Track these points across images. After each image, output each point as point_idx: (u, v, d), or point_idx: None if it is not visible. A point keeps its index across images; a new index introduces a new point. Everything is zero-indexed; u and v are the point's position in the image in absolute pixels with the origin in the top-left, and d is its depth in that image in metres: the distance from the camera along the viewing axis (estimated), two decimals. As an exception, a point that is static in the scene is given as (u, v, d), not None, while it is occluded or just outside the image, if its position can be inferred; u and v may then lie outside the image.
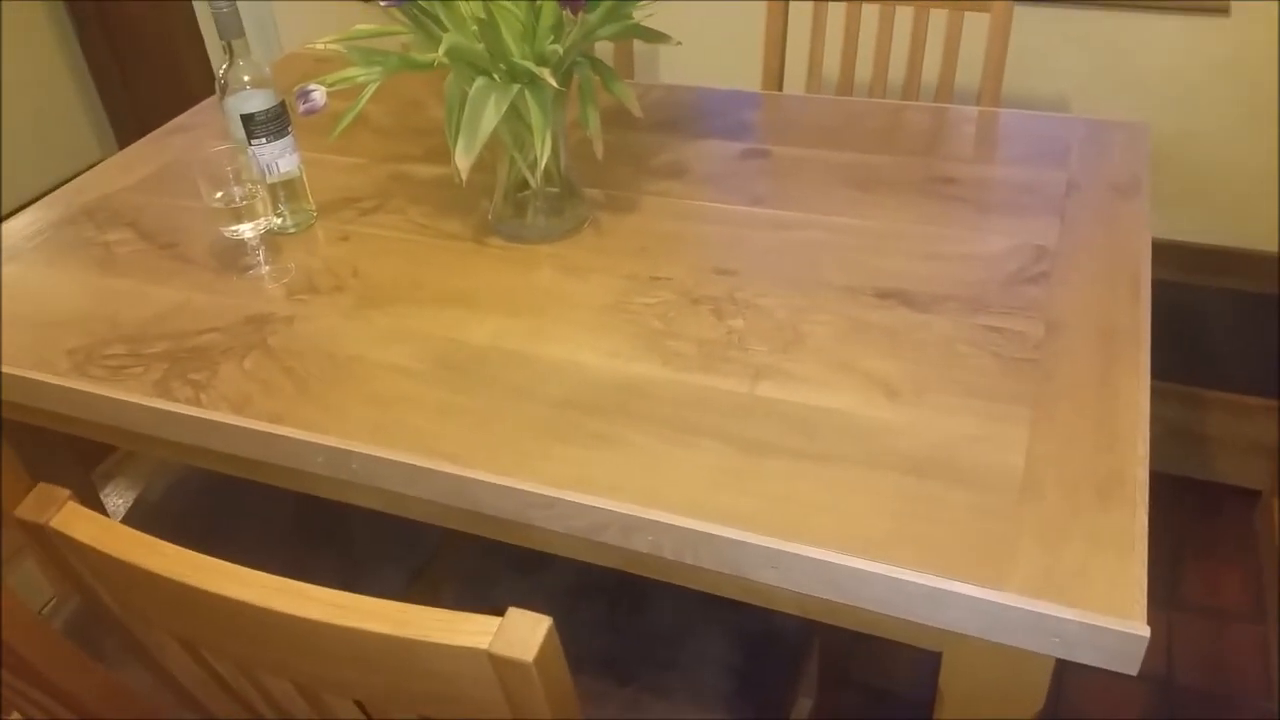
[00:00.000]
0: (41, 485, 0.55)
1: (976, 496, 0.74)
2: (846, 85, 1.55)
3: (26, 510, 0.53)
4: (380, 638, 0.48)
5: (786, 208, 1.11)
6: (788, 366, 0.88)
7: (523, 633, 0.46)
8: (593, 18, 0.91)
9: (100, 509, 1.28)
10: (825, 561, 0.71)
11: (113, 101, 2.80)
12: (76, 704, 0.67)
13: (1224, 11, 1.71)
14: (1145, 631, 0.66)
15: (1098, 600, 0.67)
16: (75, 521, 0.53)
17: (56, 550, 0.55)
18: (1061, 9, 1.80)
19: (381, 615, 0.48)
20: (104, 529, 0.53)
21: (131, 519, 1.20)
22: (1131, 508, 0.73)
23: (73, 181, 1.27)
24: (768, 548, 0.72)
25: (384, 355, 0.92)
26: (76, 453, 1.20)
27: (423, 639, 0.47)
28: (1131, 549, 0.70)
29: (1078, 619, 0.66)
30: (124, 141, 2.83)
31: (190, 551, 0.51)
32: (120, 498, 1.79)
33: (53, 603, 1.57)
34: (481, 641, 0.46)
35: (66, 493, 0.54)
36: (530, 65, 0.90)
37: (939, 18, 1.48)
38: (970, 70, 1.52)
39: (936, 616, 0.71)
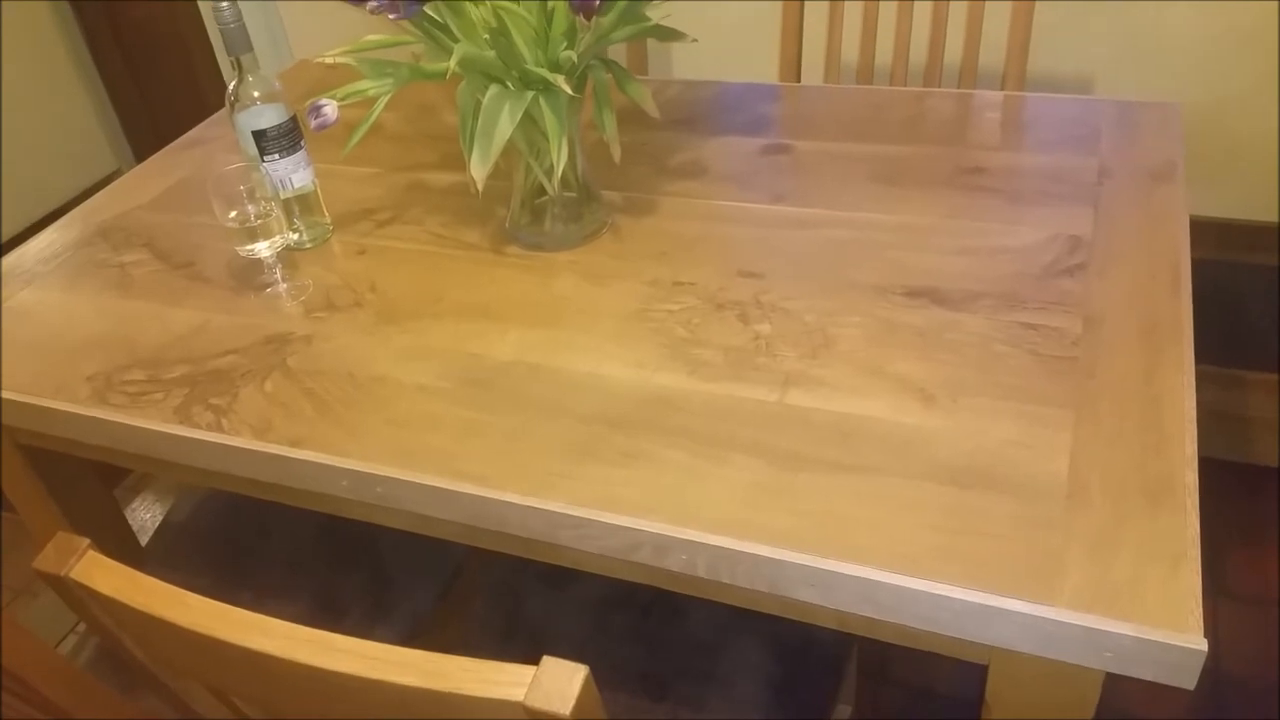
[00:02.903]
0: (60, 534, 0.54)
1: (1021, 506, 0.72)
2: (866, 72, 1.51)
3: (46, 562, 0.52)
4: (413, 690, 0.46)
5: (810, 205, 1.08)
6: (818, 373, 0.85)
7: (559, 683, 0.44)
8: (606, 21, 0.88)
9: (126, 528, 1.28)
10: (867, 579, 0.69)
11: (127, 109, 2.79)
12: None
13: (1255, -20, 1.66)
14: (1203, 645, 0.63)
15: (1151, 613, 0.65)
16: (96, 572, 0.52)
17: (78, 599, 0.54)
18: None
19: (412, 666, 0.46)
20: (126, 579, 0.51)
21: (158, 541, 1.19)
22: (1182, 514, 0.71)
23: (88, 200, 1.26)
24: (807, 566, 0.70)
25: (405, 373, 0.90)
26: (99, 471, 1.19)
27: (456, 691, 0.45)
28: (1184, 557, 0.68)
29: (1132, 634, 0.64)
30: (139, 149, 2.83)
31: (215, 602, 0.50)
32: (146, 513, 1.79)
33: (80, 629, 1.58)
34: (516, 694, 0.44)
35: (86, 542, 0.53)
36: (544, 72, 0.88)
37: (959, 3, 1.44)
38: (992, 52, 1.47)
39: (984, 633, 0.68)
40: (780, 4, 1.55)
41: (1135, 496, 0.72)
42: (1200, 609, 0.65)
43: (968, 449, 0.77)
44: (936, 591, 0.67)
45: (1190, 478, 0.74)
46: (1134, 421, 0.78)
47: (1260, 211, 1.87)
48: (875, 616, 0.71)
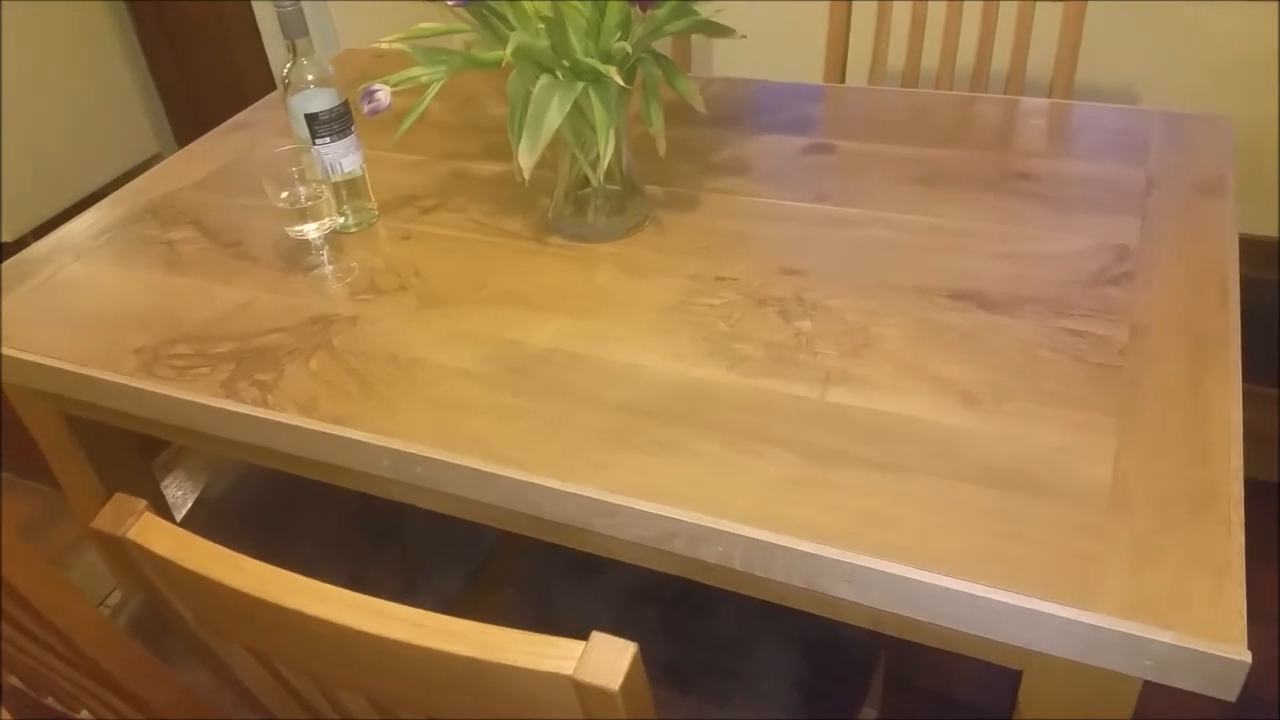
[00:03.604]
0: (118, 496, 0.55)
1: (1062, 510, 0.71)
2: (912, 75, 1.51)
3: (104, 521, 0.53)
4: (462, 660, 0.46)
5: (853, 205, 1.08)
6: (859, 371, 0.85)
7: (608, 659, 0.45)
8: (660, 13, 0.89)
9: (161, 501, 1.30)
10: (905, 578, 0.68)
11: (170, 96, 2.83)
12: (147, 708, 0.67)
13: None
14: (1246, 657, 0.63)
15: (1194, 622, 0.64)
16: (152, 533, 0.53)
17: (131, 561, 0.55)
18: (1134, -5, 1.73)
19: (463, 636, 0.47)
20: (181, 542, 0.52)
21: (195, 516, 1.21)
22: (1226, 525, 0.70)
23: (136, 180, 1.28)
24: (844, 562, 0.70)
25: (446, 357, 0.91)
26: (138, 444, 1.21)
27: (506, 663, 0.46)
28: (1228, 568, 0.67)
29: (1174, 642, 0.63)
30: (180, 135, 2.87)
31: (269, 566, 0.50)
32: (179, 489, 1.81)
33: (116, 596, 1.60)
34: (566, 667, 0.45)
35: (143, 503, 0.54)
36: (595, 63, 0.88)
37: (1009, 7, 1.43)
38: (1039, 60, 1.47)
39: (1022, 636, 0.68)
40: (825, 5, 1.55)
41: (1179, 505, 0.71)
42: (1244, 619, 0.64)
43: (1010, 452, 0.76)
44: (976, 593, 0.67)
45: (1235, 489, 0.73)
46: (1179, 431, 0.77)
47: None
48: (912, 616, 0.71)
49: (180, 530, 0.53)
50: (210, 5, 2.56)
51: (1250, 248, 1.81)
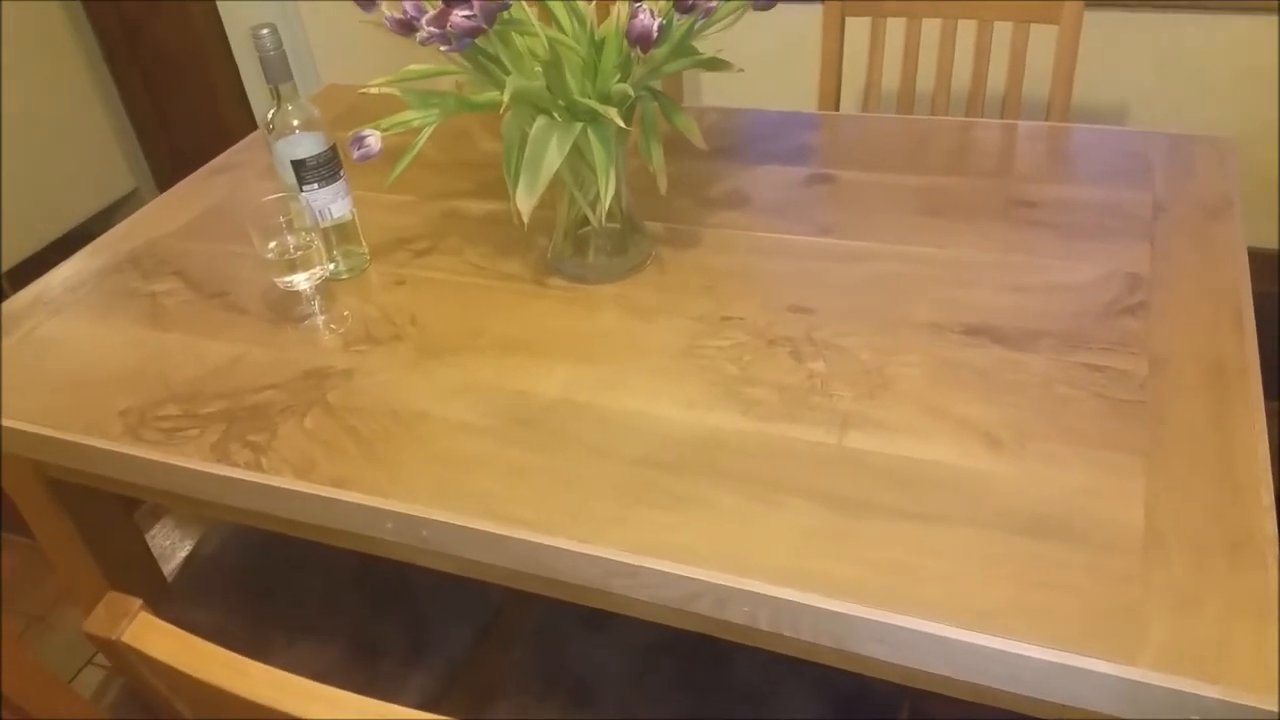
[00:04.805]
0: (111, 594, 0.51)
1: (1097, 558, 0.69)
2: (907, 100, 1.49)
3: (97, 624, 0.49)
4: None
5: (858, 237, 1.06)
6: (877, 414, 0.83)
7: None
8: (660, 53, 0.86)
9: (150, 560, 1.25)
10: (940, 636, 0.66)
11: (144, 129, 2.79)
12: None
13: (1294, 8, 1.64)
14: (1294, 709, 0.61)
15: (1240, 674, 0.62)
16: (149, 635, 0.49)
17: (129, 663, 0.51)
18: (1125, 13, 1.73)
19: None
20: (181, 644, 0.49)
21: (185, 575, 1.17)
22: (1264, 568, 0.68)
23: (116, 227, 1.24)
24: (875, 621, 0.67)
25: (449, 410, 0.88)
26: (121, 499, 1.16)
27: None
28: (1269, 615, 0.65)
29: (1221, 696, 0.61)
30: (157, 170, 2.82)
31: (277, 671, 0.47)
32: (166, 540, 1.76)
33: (99, 658, 1.55)
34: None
35: (138, 603, 0.50)
36: (594, 103, 0.86)
37: (1003, 29, 1.42)
38: (1034, 80, 1.46)
39: (1061, 691, 0.65)
40: (815, 31, 1.53)
41: (1214, 548, 0.69)
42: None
43: (1038, 497, 0.74)
44: (1015, 650, 0.64)
45: (1270, 529, 0.71)
46: (1207, 468, 0.75)
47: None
48: (947, 674, 0.68)
49: (178, 631, 0.49)
50: (185, 38, 2.52)
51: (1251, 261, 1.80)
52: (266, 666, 0.47)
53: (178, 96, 2.67)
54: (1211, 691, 0.61)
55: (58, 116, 2.57)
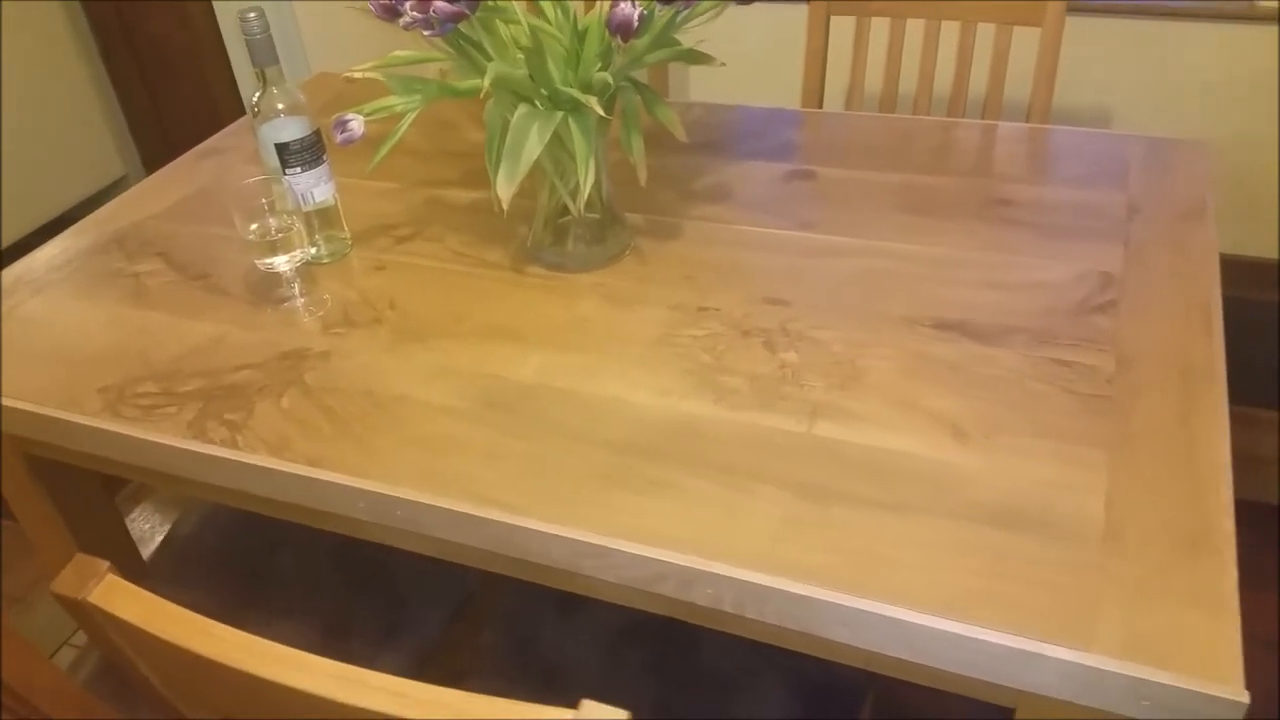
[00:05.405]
0: (79, 556, 0.52)
1: (1057, 549, 0.70)
2: (890, 100, 1.51)
3: (64, 584, 0.50)
4: (447, 731, 0.44)
5: (837, 233, 1.07)
6: (847, 404, 0.84)
7: (602, 729, 0.42)
8: (641, 43, 0.87)
9: (128, 541, 1.26)
10: (901, 620, 0.67)
11: (136, 115, 2.78)
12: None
13: (1276, 19, 1.66)
14: (1244, 697, 0.62)
15: (1190, 661, 0.63)
16: (116, 596, 0.50)
17: (96, 624, 0.52)
18: (1107, 20, 1.75)
19: (447, 707, 0.44)
20: (147, 606, 0.49)
21: (163, 555, 1.17)
22: (1220, 561, 0.69)
23: (101, 208, 1.25)
24: (838, 605, 0.68)
25: (426, 393, 0.88)
26: (102, 478, 1.17)
27: (494, 734, 0.43)
28: (1224, 607, 0.66)
29: (1172, 683, 0.62)
30: (147, 155, 2.82)
31: (241, 633, 0.48)
32: (148, 522, 1.76)
33: (83, 635, 1.55)
34: (558, 738, 0.43)
35: (105, 564, 0.51)
36: (575, 92, 0.87)
37: (986, 30, 1.44)
38: (1015, 82, 1.47)
39: (1018, 677, 0.66)
40: (802, 30, 1.54)
41: (1172, 542, 0.70)
42: (1240, 658, 0.64)
43: (1003, 488, 0.75)
44: (972, 635, 0.65)
45: (1228, 524, 0.72)
46: (1170, 464, 0.76)
47: (1263, 249, 1.86)
48: (908, 658, 0.69)
49: (146, 593, 0.50)
50: (178, 26, 2.52)
51: (1226, 267, 1.82)
52: (231, 628, 0.48)
53: (170, 84, 2.67)
54: (1163, 678, 0.62)
55: (48, 104, 2.57)
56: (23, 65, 2.48)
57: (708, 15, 0.92)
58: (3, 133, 2.45)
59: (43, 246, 1.18)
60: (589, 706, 0.44)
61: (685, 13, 0.88)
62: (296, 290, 1.03)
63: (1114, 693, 0.64)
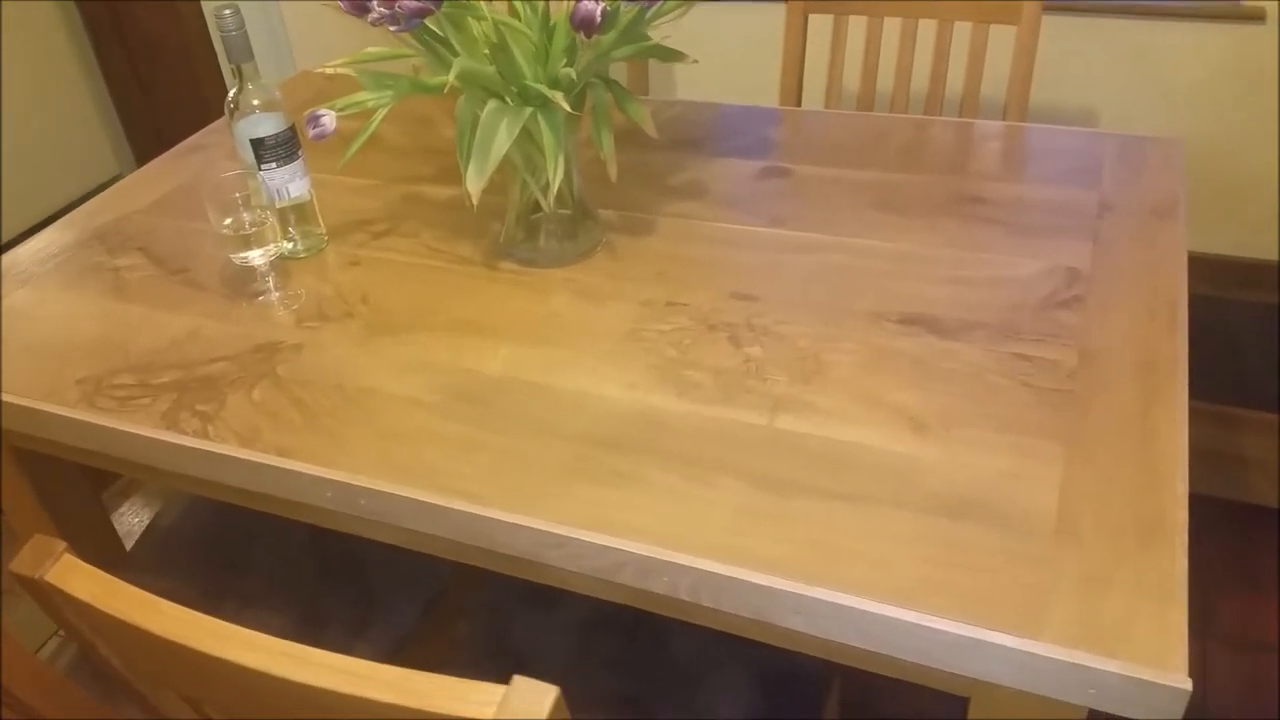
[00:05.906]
0: (38, 537, 0.53)
1: (1011, 540, 0.71)
2: (867, 99, 1.52)
3: (22, 564, 0.51)
4: (387, 707, 0.45)
5: (808, 229, 1.08)
6: (809, 398, 0.85)
7: (529, 703, 0.44)
8: (607, 39, 0.89)
9: (110, 531, 1.27)
10: (854, 608, 0.68)
11: (129, 114, 2.80)
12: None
13: (1259, 18, 1.67)
14: (1187, 685, 0.63)
15: (1137, 651, 0.64)
16: (72, 576, 0.51)
17: (53, 603, 0.53)
18: (1087, 18, 1.76)
19: (388, 683, 0.45)
20: (101, 585, 0.51)
21: (144, 546, 1.18)
22: (1171, 553, 0.70)
23: (88, 203, 1.26)
24: (793, 593, 0.69)
25: (396, 386, 0.89)
26: (88, 475, 1.18)
27: (428, 709, 0.44)
28: (1172, 597, 0.67)
29: (1117, 671, 0.63)
30: (141, 154, 2.84)
31: (190, 611, 0.49)
32: (135, 517, 1.78)
33: (60, 633, 1.56)
34: (486, 712, 0.44)
35: (62, 545, 0.52)
36: (543, 88, 0.88)
37: (963, 29, 1.45)
38: (994, 81, 1.48)
39: (969, 666, 0.67)
40: (779, 29, 1.56)
41: (1125, 533, 0.71)
42: (1185, 648, 0.64)
43: (960, 480, 0.76)
44: (924, 623, 0.66)
45: (1180, 516, 0.73)
46: (1126, 458, 0.77)
47: (1257, 249, 1.87)
48: (862, 646, 0.70)
49: (100, 573, 0.51)
50: (170, 22, 2.53)
51: (1200, 266, 1.83)
52: (182, 607, 0.49)
53: (163, 84, 2.68)
54: (1111, 666, 0.63)
55: (44, 102, 2.58)
56: (18, 64, 2.50)
57: (677, 12, 0.93)
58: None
59: (29, 239, 1.19)
60: (520, 683, 0.45)
61: (653, 10, 0.89)
62: (271, 284, 1.04)
63: (1062, 681, 0.65)
